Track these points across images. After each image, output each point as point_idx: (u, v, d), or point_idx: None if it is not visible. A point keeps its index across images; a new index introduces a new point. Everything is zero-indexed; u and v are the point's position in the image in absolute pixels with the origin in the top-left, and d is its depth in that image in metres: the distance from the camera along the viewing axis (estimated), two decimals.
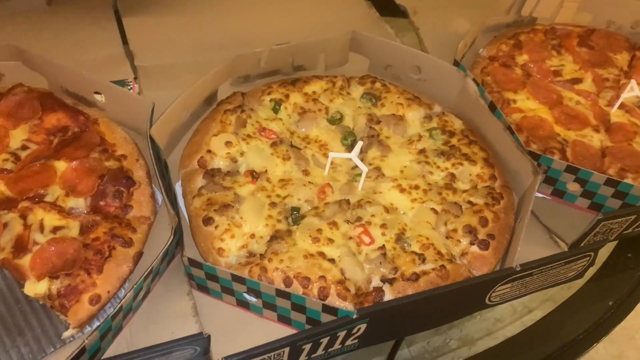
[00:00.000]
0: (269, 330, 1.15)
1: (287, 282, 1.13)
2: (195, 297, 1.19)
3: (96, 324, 1.14)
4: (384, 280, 1.15)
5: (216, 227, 1.21)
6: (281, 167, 1.35)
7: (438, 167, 1.37)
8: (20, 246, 1.16)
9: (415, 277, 1.15)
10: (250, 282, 1.09)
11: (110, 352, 1.10)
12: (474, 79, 1.50)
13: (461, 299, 1.14)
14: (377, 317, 1.04)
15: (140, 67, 1.61)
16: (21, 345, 1.09)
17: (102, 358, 0.94)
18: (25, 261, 1.14)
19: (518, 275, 1.12)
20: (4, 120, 1.35)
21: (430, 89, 1.59)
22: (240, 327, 1.16)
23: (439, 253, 1.20)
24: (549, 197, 1.44)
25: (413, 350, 1.37)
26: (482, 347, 1.35)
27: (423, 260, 1.18)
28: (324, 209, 1.28)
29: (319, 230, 1.22)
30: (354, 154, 1.30)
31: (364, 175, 1.30)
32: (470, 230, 1.24)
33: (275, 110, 1.47)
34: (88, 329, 1.13)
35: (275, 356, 1.00)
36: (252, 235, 1.21)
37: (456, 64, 1.57)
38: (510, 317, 1.43)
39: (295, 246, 1.19)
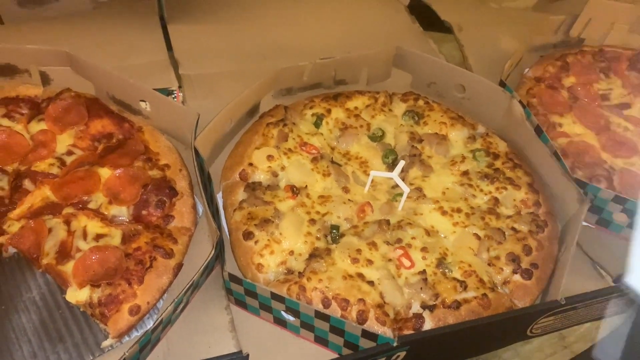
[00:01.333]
0: (305, 350, 1.15)
1: (326, 303, 1.12)
2: (233, 312, 1.19)
3: (134, 334, 1.14)
4: (424, 306, 1.13)
5: (256, 242, 1.20)
6: (321, 183, 1.35)
7: (481, 190, 1.35)
8: (64, 252, 1.17)
9: (457, 305, 1.13)
10: (290, 302, 1.08)
11: None
12: (520, 101, 1.47)
13: (503, 330, 1.12)
14: (418, 345, 1.03)
15: (184, 76, 1.62)
16: (61, 351, 1.11)
17: None
18: (68, 268, 1.15)
19: (562, 308, 1.10)
20: (51, 124, 1.37)
21: (474, 109, 1.56)
22: (277, 346, 1.15)
23: (480, 281, 1.17)
24: (593, 226, 1.40)
25: None
26: None
27: (464, 287, 1.16)
28: (363, 228, 1.26)
29: (359, 251, 1.20)
30: (395, 174, 1.28)
31: (405, 195, 1.29)
32: (514, 259, 1.21)
33: (317, 124, 1.47)
34: (126, 339, 1.13)
35: None
36: (291, 252, 1.21)
37: (502, 84, 1.54)
38: None
39: (334, 266, 1.18)
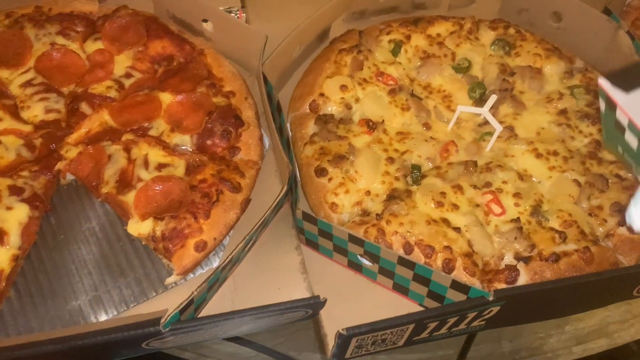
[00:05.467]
0: (381, 297, 1.06)
1: (408, 248, 1.01)
2: (304, 252, 1.10)
3: (199, 271, 1.07)
4: (518, 258, 1.01)
5: (330, 179, 1.10)
6: (400, 118, 1.21)
7: (581, 131, 1.20)
8: (124, 181, 1.09)
9: (555, 257, 1.01)
10: (369, 245, 0.98)
11: (214, 302, 1.03)
12: (629, 32, 1.28)
13: (606, 288, 1.00)
14: (514, 300, 0.92)
15: None
16: (123, 286, 1.04)
17: (216, 313, 0.87)
18: (129, 198, 1.07)
19: None
20: (108, 44, 1.27)
21: (571, 40, 1.38)
22: (350, 290, 1.06)
23: (582, 232, 1.04)
24: None
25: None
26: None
27: (564, 239, 1.03)
28: (447, 169, 1.14)
29: (443, 194, 1.08)
30: (486, 109, 1.14)
31: (496, 134, 1.15)
32: (620, 209, 1.07)
33: (395, 52, 1.32)
34: (191, 276, 1.06)
35: (398, 331, 0.90)
36: (368, 192, 1.09)
37: (606, 12, 1.35)
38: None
39: (415, 209, 1.06)
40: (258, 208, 1.11)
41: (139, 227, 1.05)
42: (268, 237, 1.11)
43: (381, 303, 1.05)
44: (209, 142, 1.16)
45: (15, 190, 1.06)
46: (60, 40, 1.27)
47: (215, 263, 1.08)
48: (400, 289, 1.03)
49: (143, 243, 1.08)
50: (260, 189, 1.16)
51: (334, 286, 1.06)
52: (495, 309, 0.93)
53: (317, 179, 1.10)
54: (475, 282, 0.99)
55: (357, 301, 1.05)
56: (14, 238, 1.02)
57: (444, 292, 0.96)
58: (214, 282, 0.96)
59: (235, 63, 1.32)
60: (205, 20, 1.30)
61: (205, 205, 1.05)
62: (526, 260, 1.01)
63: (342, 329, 0.84)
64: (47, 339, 0.84)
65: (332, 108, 1.22)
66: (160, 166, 1.11)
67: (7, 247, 1.01)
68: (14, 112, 1.18)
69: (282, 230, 1.12)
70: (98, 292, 1.03)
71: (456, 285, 0.93)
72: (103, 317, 1.01)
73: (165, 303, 1.02)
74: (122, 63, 1.25)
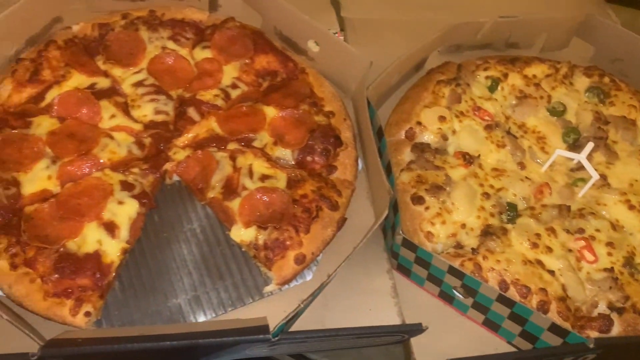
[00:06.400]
0: (469, 331, 1.07)
1: (503, 286, 1.03)
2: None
3: (293, 283, 1.10)
4: (611, 308, 1.03)
5: (427, 208, 1.12)
6: (495, 154, 1.24)
7: None
8: (230, 188, 1.13)
9: None
10: (469, 279, 1.00)
11: (304, 317, 1.05)
12: None
13: None
14: (610, 350, 0.93)
15: (346, 19, 1.52)
16: (221, 289, 1.08)
17: (326, 328, 0.90)
18: (234, 205, 1.11)
19: None
20: (216, 53, 1.31)
21: None
22: (439, 321, 1.08)
23: None
24: None
25: None
26: None
27: None
28: (541, 211, 1.15)
29: (538, 235, 1.10)
30: (583, 156, 1.16)
31: (591, 182, 1.16)
32: None
33: (492, 89, 1.34)
34: (285, 287, 1.09)
35: None
36: (463, 225, 1.12)
37: None
38: None
39: (511, 248, 1.08)
40: (346, 228, 1.14)
41: (242, 234, 1.09)
42: (359, 258, 1.13)
43: (469, 337, 1.07)
44: (308, 158, 1.19)
45: (126, 186, 1.11)
46: (170, 45, 1.33)
47: (309, 277, 1.11)
48: (491, 324, 1.05)
49: (243, 249, 1.11)
50: (350, 209, 1.19)
51: (422, 314, 1.08)
52: (591, 356, 0.94)
53: (413, 206, 1.13)
54: (567, 327, 1.00)
55: (445, 332, 1.07)
56: (124, 232, 1.07)
57: (540, 333, 0.97)
58: (314, 298, 0.99)
59: (332, 84, 1.36)
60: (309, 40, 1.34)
61: (306, 219, 1.09)
62: (620, 311, 1.02)
63: None
64: (161, 334, 0.88)
65: (429, 137, 1.24)
66: (264, 177, 1.14)
67: (118, 239, 1.06)
68: (125, 109, 1.23)
69: (372, 252, 1.15)
70: (197, 292, 1.07)
71: (554, 329, 0.94)
72: (201, 318, 1.05)
73: (260, 311, 1.06)
74: (229, 74, 1.30)
